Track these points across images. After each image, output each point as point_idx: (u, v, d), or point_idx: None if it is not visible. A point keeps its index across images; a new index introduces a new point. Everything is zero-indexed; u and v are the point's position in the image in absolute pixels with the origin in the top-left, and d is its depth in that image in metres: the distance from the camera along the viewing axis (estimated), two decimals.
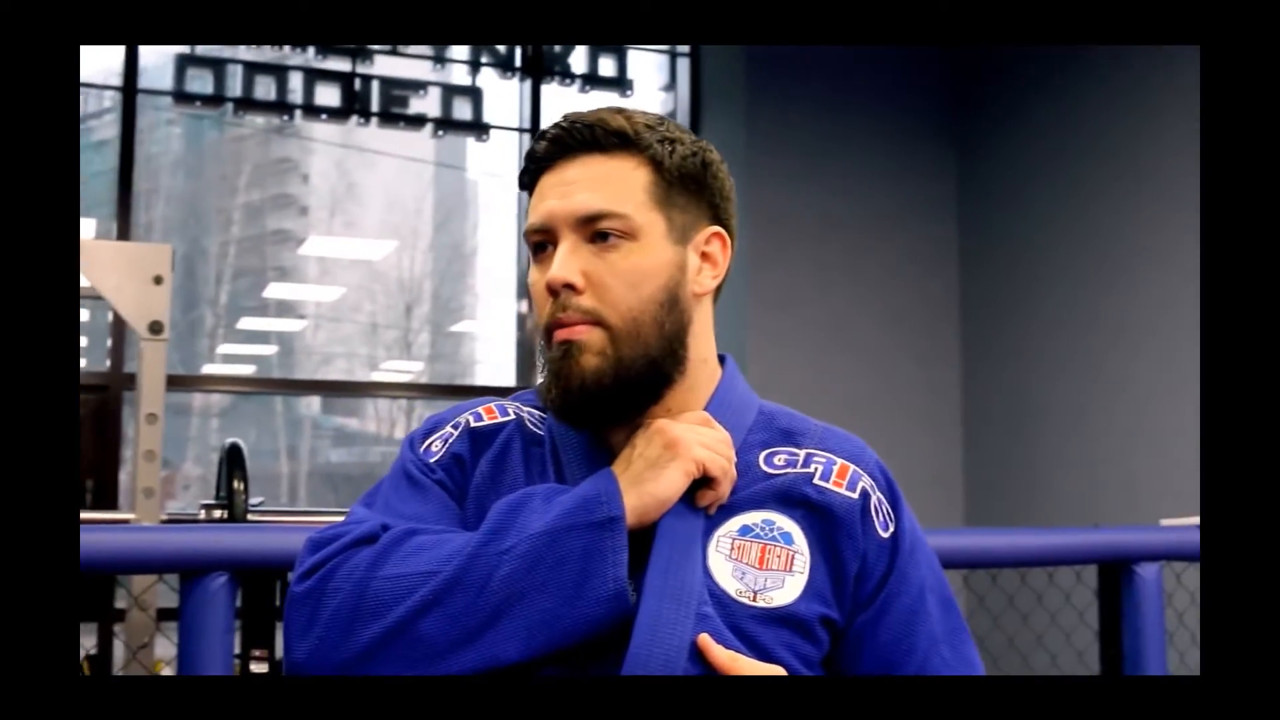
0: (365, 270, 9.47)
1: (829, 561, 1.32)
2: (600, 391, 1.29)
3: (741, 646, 1.26)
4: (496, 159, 5.87)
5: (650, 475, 1.26)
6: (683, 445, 1.26)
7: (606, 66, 5.68)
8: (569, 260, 1.29)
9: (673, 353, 1.32)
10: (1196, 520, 3.03)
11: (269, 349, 9.45)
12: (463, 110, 5.52)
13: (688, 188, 1.33)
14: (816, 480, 1.34)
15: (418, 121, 5.50)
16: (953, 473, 5.62)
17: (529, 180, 1.36)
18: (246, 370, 9.30)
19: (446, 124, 5.53)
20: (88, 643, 3.52)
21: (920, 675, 1.33)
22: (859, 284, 5.58)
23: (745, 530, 1.31)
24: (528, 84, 5.56)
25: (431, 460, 1.37)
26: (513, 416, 1.40)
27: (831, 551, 1.32)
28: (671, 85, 5.87)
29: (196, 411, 8.88)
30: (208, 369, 7.96)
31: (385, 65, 5.38)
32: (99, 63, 5.26)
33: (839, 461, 1.37)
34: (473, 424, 1.39)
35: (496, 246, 7.89)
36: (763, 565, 1.29)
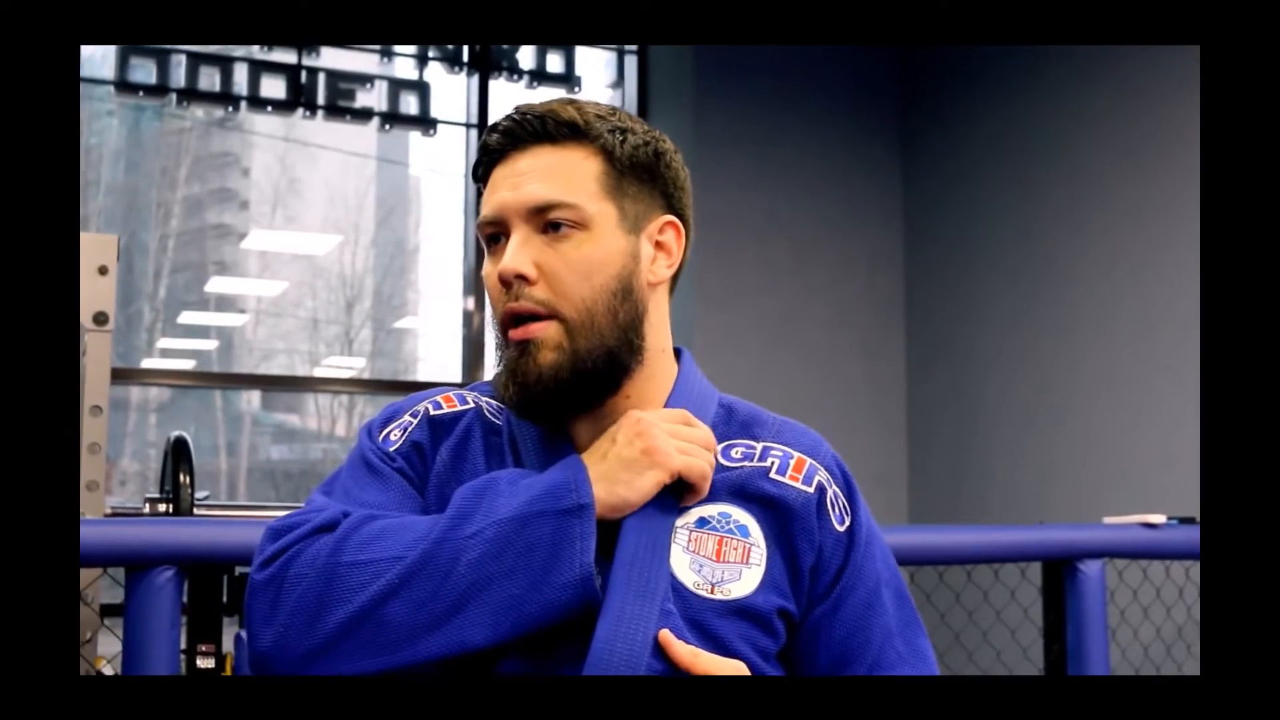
0: (307, 265, 9.40)
1: (785, 555, 1.33)
2: (557, 386, 1.29)
3: (699, 640, 1.26)
4: (442, 154, 5.84)
5: (624, 477, 1.26)
6: (661, 455, 1.27)
7: (554, 63, 5.66)
8: (520, 251, 1.30)
9: (629, 342, 1.33)
10: (1140, 518, 3.07)
11: (209, 344, 9.35)
12: (409, 104, 5.48)
13: (639, 177, 1.34)
14: (773, 474, 1.35)
15: (364, 115, 5.46)
16: (898, 470, 5.66)
17: (482, 172, 1.37)
18: (186, 365, 9.21)
19: (393, 118, 5.49)
20: None
21: (875, 668, 1.35)
22: (805, 282, 5.60)
23: (702, 523, 1.32)
24: (475, 79, 5.53)
25: (391, 449, 1.36)
26: (471, 405, 1.40)
27: (787, 545, 1.33)
28: (619, 82, 5.85)
29: (135, 407, 8.78)
30: (146, 364, 7.86)
31: (332, 58, 5.34)
32: None
33: (795, 455, 1.38)
34: (432, 412, 1.39)
35: (440, 243, 7.86)
36: (719, 558, 1.30)
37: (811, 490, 1.35)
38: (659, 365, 1.37)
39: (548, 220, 1.30)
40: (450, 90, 5.58)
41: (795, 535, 1.33)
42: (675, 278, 1.41)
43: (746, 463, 1.36)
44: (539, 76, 5.63)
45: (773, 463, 1.36)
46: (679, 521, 1.31)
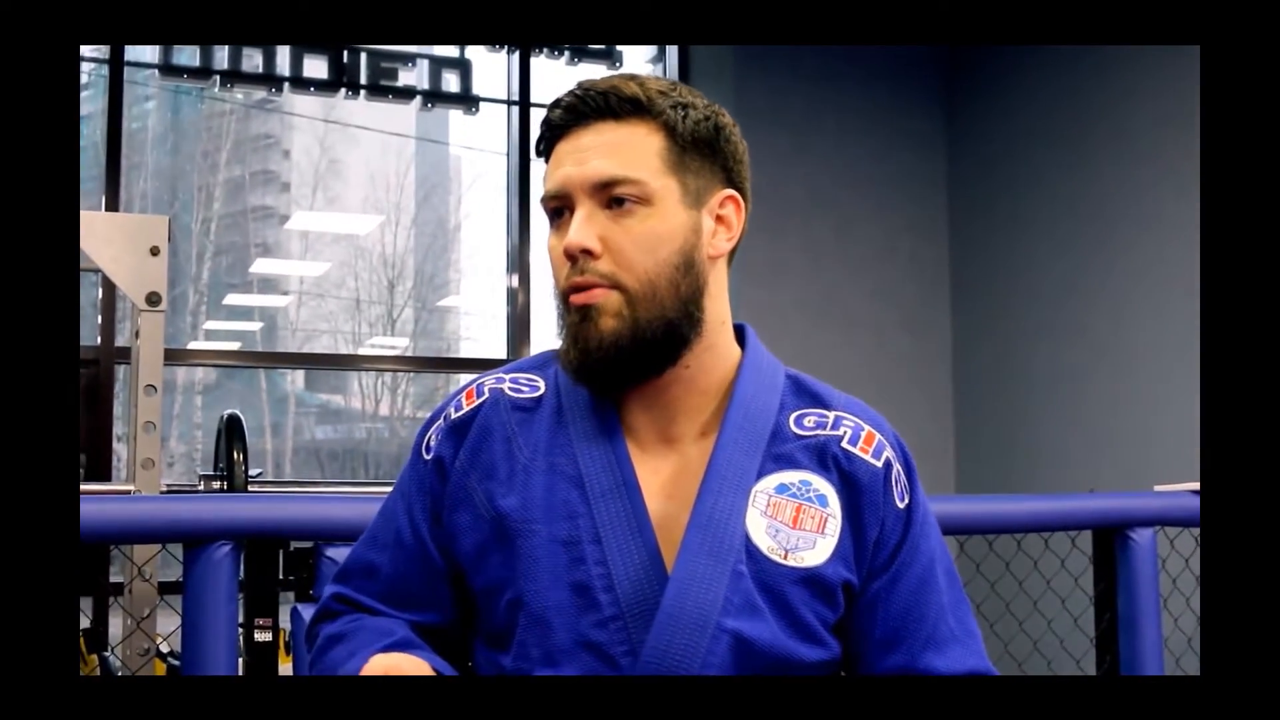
0: (349, 246, 9.45)
1: (854, 527, 1.35)
2: (618, 353, 1.31)
3: (768, 603, 1.29)
4: (484, 132, 5.85)
5: None
6: None
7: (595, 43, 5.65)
8: (586, 226, 1.31)
9: (689, 315, 1.33)
10: (1191, 486, 3.05)
11: (253, 325, 9.43)
12: (451, 83, 5.50)
13: (701, 152, 1.34)
14: (845, 444, 1.37)
15: (406, 94, 5.48)
16: (944, 443, 5.65)
17: (545, 148, 1.38)
18: (231, 346, 9.28)
19: (435, 96, 5.50)
20: (83, 618, 3.51)
21: (930, 643, 1.37)
22: (848, 257, 5.59)
23: (783, 489, 1.34)
24: (516, 56, 5.53)
25: (428, 457, 1.41)
26: (488, 395, 1.42)
27: (856, 517, 1.35)
28: (660, 58, 5.86)
29: (180, 388, 8.86)
30: (191, 345, 7.92)
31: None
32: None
33: (866, 428, 1.40)
34: (452, 415, 1.42)
35: (481, 221, 7.86)
36: (796, 524, 1.32)
37: (879, 465, 1.37)
38: (718, 337, 1.38)
39: (612, 195, 1.31)
40: (492, 68, 5.58)
41: (864, 509, 1.35)
42: (734, 251, 1.41)
43: (820, 431, 1.38)
44: (580, 53, 5.62)
45: (845, 432, 1.38)
46: (759, 486, 1.33)
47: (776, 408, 1.39)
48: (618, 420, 1.38)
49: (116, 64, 5.05)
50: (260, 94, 6.09)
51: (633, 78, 1.36)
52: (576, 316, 1.32)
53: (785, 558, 1.31)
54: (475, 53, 5.57)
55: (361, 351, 9.18)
